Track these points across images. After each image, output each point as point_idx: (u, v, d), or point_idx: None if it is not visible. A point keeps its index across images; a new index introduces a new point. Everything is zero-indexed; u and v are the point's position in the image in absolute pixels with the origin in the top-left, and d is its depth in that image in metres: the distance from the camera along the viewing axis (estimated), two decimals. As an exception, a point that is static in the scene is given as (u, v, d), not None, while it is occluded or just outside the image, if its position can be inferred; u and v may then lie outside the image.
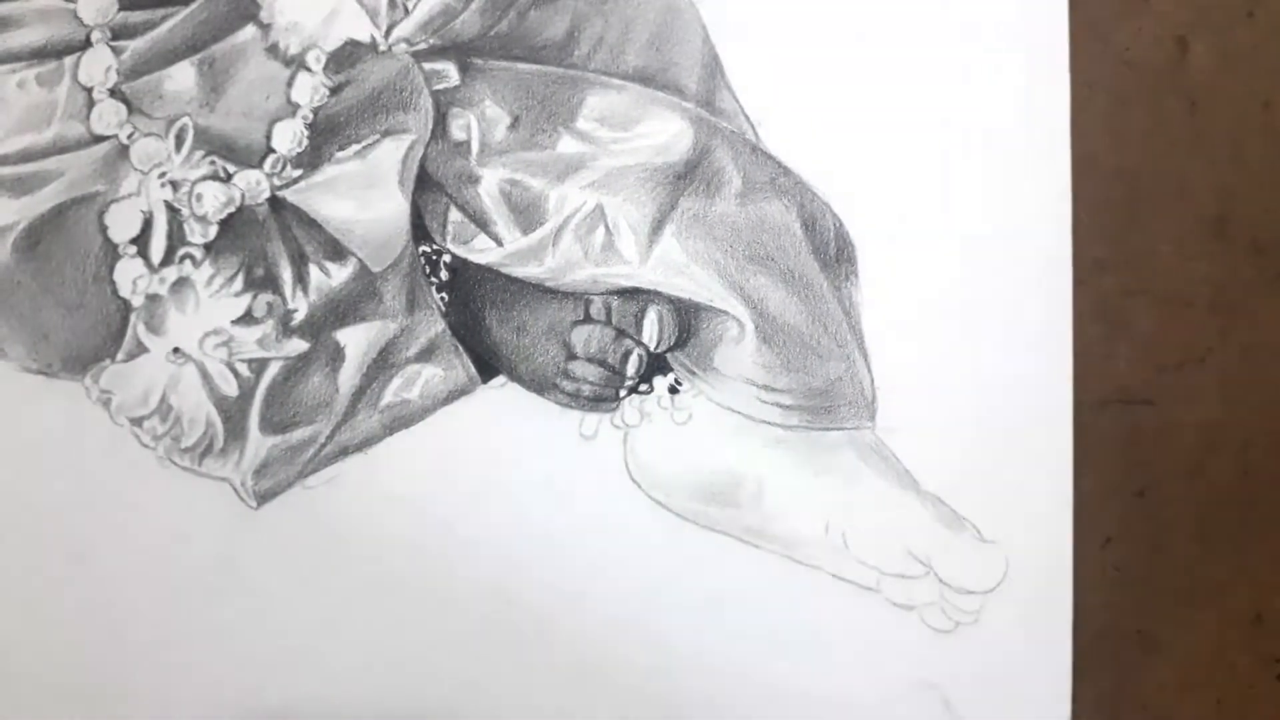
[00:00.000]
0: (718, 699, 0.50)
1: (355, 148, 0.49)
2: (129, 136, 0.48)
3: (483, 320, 0.49)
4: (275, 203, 0.48)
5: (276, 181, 0.48)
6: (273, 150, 0.48)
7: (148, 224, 0.48)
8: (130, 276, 0.48)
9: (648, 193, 0.49)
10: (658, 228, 0.49)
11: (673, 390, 0.50)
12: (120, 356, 0.48)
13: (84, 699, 0.48)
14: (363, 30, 0.48)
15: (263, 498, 0.49)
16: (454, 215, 0.49)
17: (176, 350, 0.48)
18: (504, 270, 0.49)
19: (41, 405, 0.48)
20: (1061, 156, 0.51)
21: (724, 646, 0.50)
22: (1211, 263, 0.52)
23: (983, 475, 0.50)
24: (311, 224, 0.49)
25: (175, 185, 0.48)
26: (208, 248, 0.48)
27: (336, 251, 0.49)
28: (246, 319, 0.48)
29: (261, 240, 0.49)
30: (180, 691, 0.48)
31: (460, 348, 0.49)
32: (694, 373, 0.50)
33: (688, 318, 0.50)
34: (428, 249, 0.49)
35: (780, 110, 0.50)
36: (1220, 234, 0.52)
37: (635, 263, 0.49)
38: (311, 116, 0.48)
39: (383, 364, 0.49)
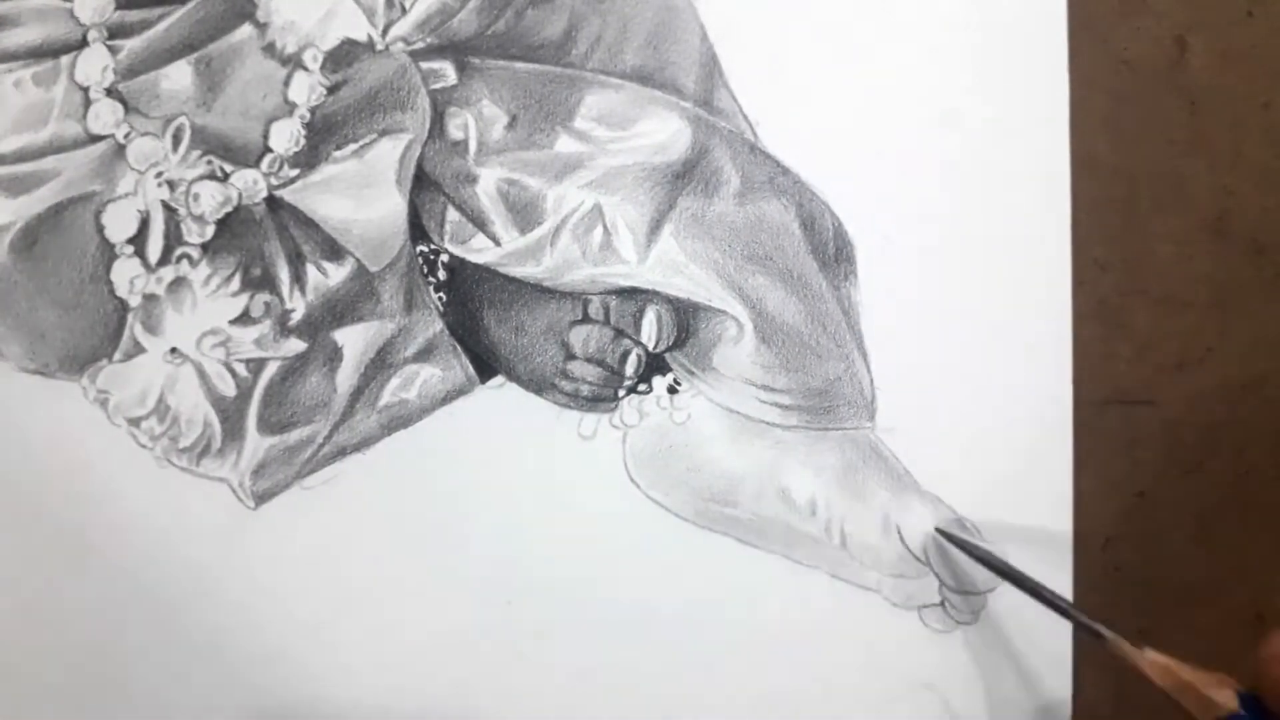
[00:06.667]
0: (717, 699, 0.50)
1: (352, 147, 0.48)
2: (126, 136, 0.48)
3: (481, 320, 0.49)
4: (272, 202, 0.48)
5: (274, 181, 0.48)
6: (270, 149, 0.48)
7: (145, 224, 0.48)
8: (127, 276, 0.48)
9: (646, 192, 0.49)
10: (656, 227, 0.49)
11: (672, 390, 0.50)
12: (117, 356, 0.48)
13: (83, 699, 0.48)
14: (360, 29, 0.48)
15: (261, 498, 0.49)
16: (452, 215, 0.49)
17: (174, 350, 0.48)
18: (502, 270, 0.49)
19: (38, 405, 0.48)
20: (1061, 156, 0.51)
21: (723, 647, 0.50)
22: (1211, 262, 0.52)
23: (983, 475, 0.50)
24: (309, 223, 0.48)
25: (172, 185, 0.48)
26: (205, 247, 0.48)
27: (334, 251, 0.49)
28: (244, 319, 0.48)
29: (259, 240, 0.48)
30: (179, 691, 0.48)
31: (458, 348, 0.49)
32: (693, 372, 0.50)
33: (686, 317, 0.50)
34: (425, 248, 0.49)
35: (779, 110, 0.50)
36: (1220, 234, 0.52)
37: (633, 262, 0.49)
38: (309, 116, 0.48)
39: (380, 364, 0.49)
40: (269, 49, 0.48)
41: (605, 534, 0.49)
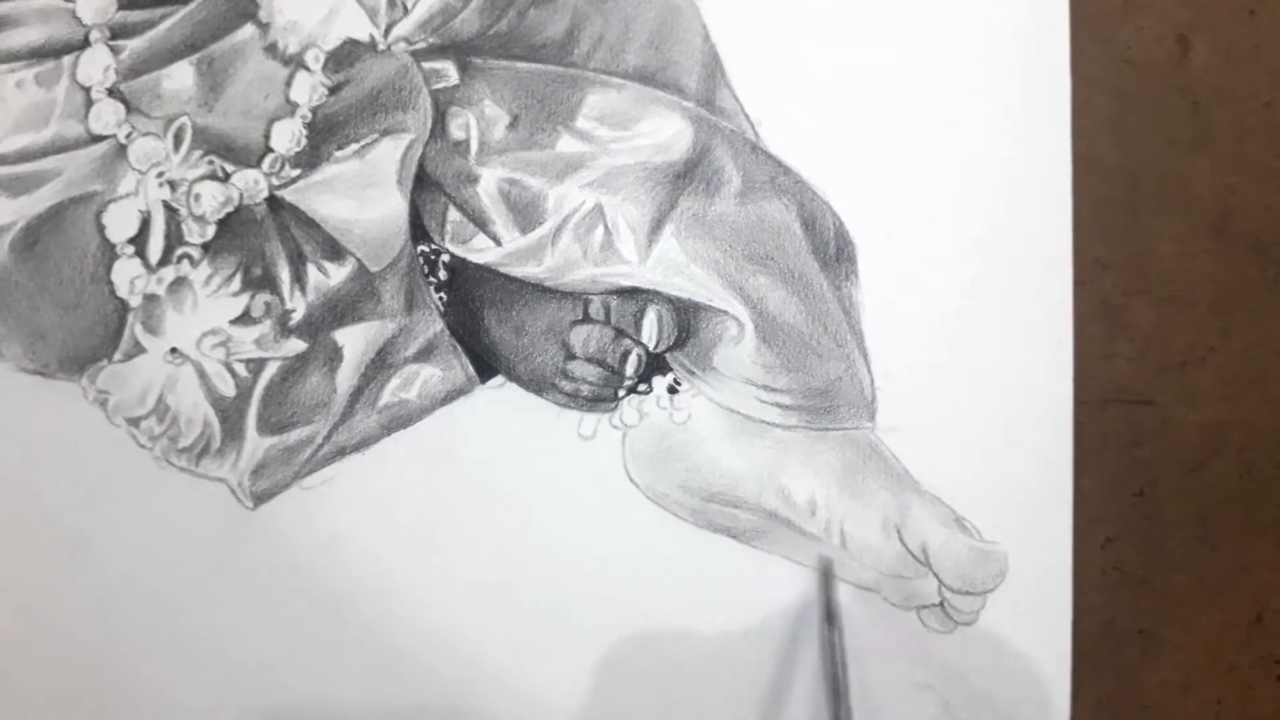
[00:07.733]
0: (717, 699, 0.50)
1: (354, 147, 0.48)
2: (127, 136, 0.48)
3: (481, 320, 0.49)
4: (274, 202, 0.48)
5: (275, 181, 0.48)
6: (271, 150, 0.48)
7: (146, 224, 0.48)
8: (128, 276, 0.48)
9: (647, 192, 0.49)
10: (657, 227, 0.49)
11: (672, 390, 0.50)
12: (117, 357, 0.48)
13: (83, 699, 0.48)
14: (362, 29, 0.48)
15: (260, 498, 0.49)
16: (453, 215, 0.49)
17: (174, 350, 0.48)
18: (503, 270, 0.49)
19: (38, 405, 0.48)
20: (1062, 156, 0.50)
21: (723, 647, 0.50)
22: (1213, 262, 0.52)
23: (983, 475, 0.50)
24: (310, 224, 0.48)
25: (173, 185, 0.48)
26: (206, 247, 0.48)
27: (335, 251, 0.49)
28: (244, 319, 0.48)
29: (260, 240, 0.48)
30: (179, 691, 0.48)
31: (459, 347, 0.49)
32: (693, 373, 0.50)
33: (687, 317, 0.50)
34: (426, 248, 0.49)
35: (780, 109, 0.50)
36: (1222, 233, 0.52)
37: (634, 262, 0.49)
38: (310, 116, 0.48)
39: (381, 364, 0.49)
40: (271, 49, 0.48)
41: (605, 534, 0.49)
